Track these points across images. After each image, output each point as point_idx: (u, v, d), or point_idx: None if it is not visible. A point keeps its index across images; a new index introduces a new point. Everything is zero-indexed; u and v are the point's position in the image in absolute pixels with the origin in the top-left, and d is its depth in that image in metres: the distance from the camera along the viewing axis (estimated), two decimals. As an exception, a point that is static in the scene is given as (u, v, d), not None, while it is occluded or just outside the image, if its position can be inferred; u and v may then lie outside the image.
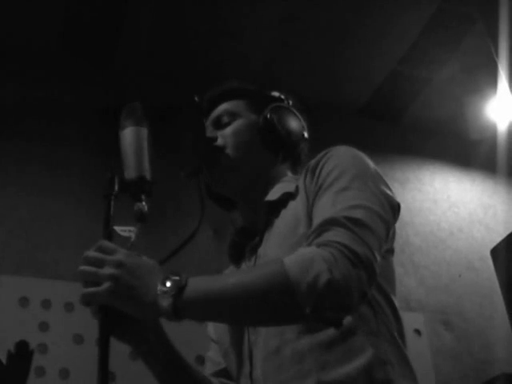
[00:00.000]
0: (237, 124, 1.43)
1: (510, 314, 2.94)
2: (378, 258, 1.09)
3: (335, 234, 1.07)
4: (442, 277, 3.75)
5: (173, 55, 3.53)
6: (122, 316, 1.12)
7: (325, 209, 1.15)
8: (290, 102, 1.50)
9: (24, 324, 2.82)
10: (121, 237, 1.19)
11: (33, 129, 3.33)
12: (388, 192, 1.23)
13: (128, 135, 1.23)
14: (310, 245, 1.09)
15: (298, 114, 1.47)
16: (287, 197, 1.32)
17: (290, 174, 1.45)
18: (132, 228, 1.19)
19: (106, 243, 1.12)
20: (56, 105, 3.42)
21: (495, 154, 3.97)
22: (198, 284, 1.07)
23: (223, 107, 1.46)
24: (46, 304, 2.93)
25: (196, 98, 1.29)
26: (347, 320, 1.12)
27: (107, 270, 1.07)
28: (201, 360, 2.81)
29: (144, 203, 1.19)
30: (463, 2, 3.35)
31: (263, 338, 1.20)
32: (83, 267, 1.12)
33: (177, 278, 1.07)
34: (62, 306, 2.93)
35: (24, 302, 2.89)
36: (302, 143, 1.46)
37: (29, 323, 2.83)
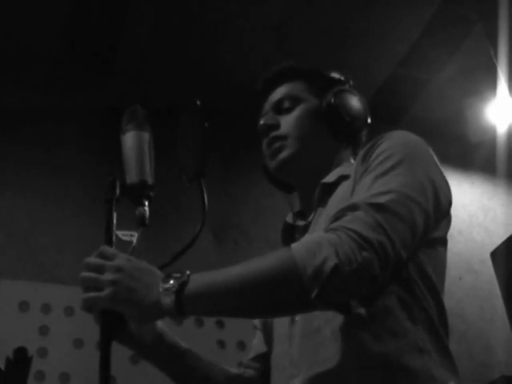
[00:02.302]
0: (300, 111, 1.39)
1: (510, 317, 2.94)
2: (401, 243, 1.04)
3: (349, 220, 1.05)
4: (442, 279, 3.74)
5: (172, 58, 3.52)
6: (124, 320, 1.12)
7: (359, 193, 1.12)
8: (351, 84, 1.46)
9: (24, 328, 2.82)
10: (122, 241, 1.18)
11: (32, 132, 3.33)
12: (439, 181, 1.19)
13: (129, 139, 1.22)
14: (325, 230, 1.07)
15: (360, 97, 1.43)
16: (342, 179, 1.30)
17: (351, 157, 1.42)
18: (133, 232, 1.18)
19: (107, 249, 1.11)
20: (56, 109, 3.42)
21: (495, 156, 3.97)
22: (201, 278, 1.06)
23: (283, 90, 1.42)
24: (46, 308, 2.93)
25: (198, 102, 1.28)
26: (385, 302, 1.11)
27: (108, 276, 1.07)
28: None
29: (146, 208, 1.19)
30: (463, 4, 3.35)
31: (306, 319, 1.18)
32: (84, 273, 1.10)
33: (178, 274, 1.06)
34: (61, 310, 2.93)
35: (24, 306, 2.89)
36: (365, 128, 1.42)
37: (29, 327, 2.83)
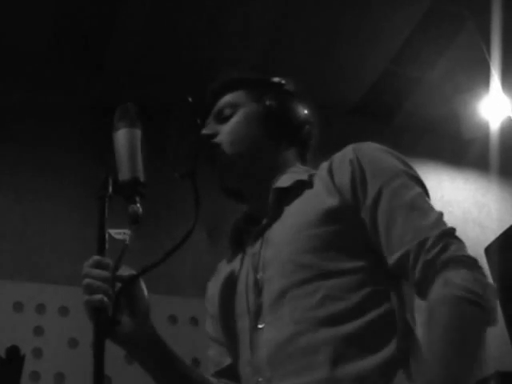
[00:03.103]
0: (237, 116, 1.40)
1: (504, 313, 2.95)
2: None
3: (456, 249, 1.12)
4: (436, 276, 3.75)
5: (163, 56, 3.52)
6: (117, 319, 1.12)
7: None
8: (292, 87, 1.47)
9: (19, 329, 2.82)
10: (115, 239, 1.18)
11: (25, 132, 3.32)
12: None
13: (121, 137, 1.22)
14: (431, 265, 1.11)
15: (300, 98, 1.45)
16: (300, 185, 1.30)
17: (297, 161, 1.43)
18: (126, 230, 1.18)
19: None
20: (48, 108, 3.41)
21: (488, 152, 3.98)
22: None
23: (224, 99, 1.43)
24: (41, 308, 2.92)
25: (189, 98, 1.28)
26: (368, 316, 1.13)
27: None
28: (197, 362, 2.81)
29: (138, 205, 1.19)
30: (454, 1, 3.35)
31: (276, 327, 1.18)
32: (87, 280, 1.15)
33: None
34: (56, 311, 2.92)
35: (18, 306, 2.89)
36: (305, 127, 1.43)
37: (23, 328, 2.83)
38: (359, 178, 1.21)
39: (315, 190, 1.27)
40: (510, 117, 3.75)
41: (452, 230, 1.15)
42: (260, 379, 1.17)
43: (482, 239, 3.68)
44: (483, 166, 4.13)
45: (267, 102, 1.41)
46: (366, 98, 3.93)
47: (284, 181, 1.33)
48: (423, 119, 4.07)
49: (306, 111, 1.44)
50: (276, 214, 1.31)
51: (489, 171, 4.13)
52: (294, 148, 1.44)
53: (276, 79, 1.47)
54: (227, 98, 1.43)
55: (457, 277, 1.07)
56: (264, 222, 1.32)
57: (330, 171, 1.26)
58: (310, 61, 3.63)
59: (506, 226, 3.24)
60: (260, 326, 1.21)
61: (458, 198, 4.10)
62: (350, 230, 1.20)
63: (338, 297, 1.15)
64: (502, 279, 2.97)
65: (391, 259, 1.16)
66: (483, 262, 3.17)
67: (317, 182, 1.28)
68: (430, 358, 1.03)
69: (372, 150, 1.26)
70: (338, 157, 1.28)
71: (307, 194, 1.28)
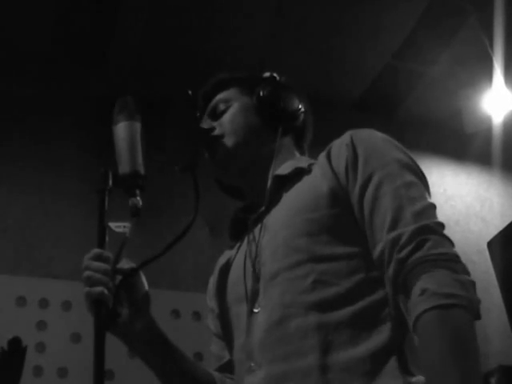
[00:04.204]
0: (232, 109, 1.42)
1: (507, 307, 2.95)
2: None
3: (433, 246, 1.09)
4: (439, 270, 3.75)
5: (166, 51, 3.52)
6: (117, 311, 1.13)
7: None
8: (283, 80, 1.48)
9: (21, 323, 2.82)
10: (115, 232, 1.18)
11: (26, 127, 3.32)
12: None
13: (121, 130, 1.22)
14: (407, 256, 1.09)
15: (293, 89, 1.46)
16: (300, 171, 1.31)
17: (294, 148, 1.45)
18: (126, 223, 1.18)
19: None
20: (50, 102, 3.41)
21: (491, 147, 3.97)
22: None
23: (217, 97, 1.45)
24: (43, 303, 2.93)
25: (189, 92, 1.28)
26: (360, 303, 1.12)
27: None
28: (200, 357, 2.82)
29: (138, 198, 1.19)
30: (457, -6, 3.35)
31: (267, 310, 1.18)
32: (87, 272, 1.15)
33: None
34: (59, 305, 2.93)
35: (21, 301, 2.89)
36: (300, 115, 1.44)
37: (26, 322, 2.83)
38: (352, 164, 1.21)
39: (313, 176, 1.28)
40: (512, 111, 3.75)
41: (433, 225, 1.11)
42: (252, 364, 1.16)
43: (484, 233, 3.69)
44: (486, 160, 4.12)
45: (260, 93, 1.42)
46: (368, 93, 3.92)
47: (284, 168, 1.34)
48: (425, 114, 4.06)
49: (299, 100, 1.45)
50: (275, 201, 1.31)
51: (491, 166, 4.13)
52: (291, 136, 1.45)
53: (267, 74, 1.49)
54: (220, 96, 1.45)
55: (433, 282, 1.03)
56: (263, 208, 1.32)
57: (329, 156, 1.27)
58: (312, 57, 3.63)
59: (508, 220, 3.24)
60: (256, 311, 1.20)
61: (461, 193, 4.09)
62: (345, 216, 1.19)
63: (330, 282, 1.14)
64: (505, 273, 2.97)
65: (374, 254, 1.15)
66: (486, 256, 3.18)
67: (315, 169, 1.29)
68: (435, 380, 0.99)
69: (369, 137, 1.26)
70: (336, 142, 1.29)
71: (305, 179, 1.29)
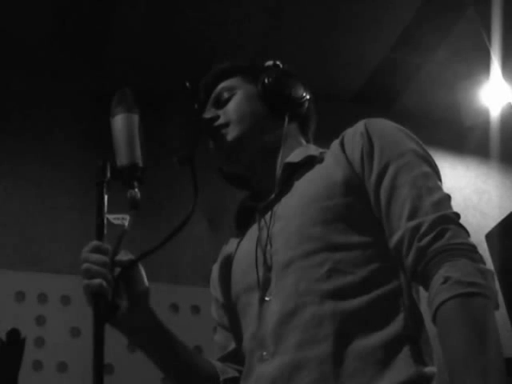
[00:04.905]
0: (237, 97, 1.41)
1: (506, 299, 2.95)
2: None
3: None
4: (437, 263, 3.75)
5: (164, 43, 3.51)
6: (116, 303, 1.13)
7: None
8: (286, 67, 1.48)
9: (21, 318, 2.83)
10: (114, 225, 1.18)
11: (24, 122, 3.32)
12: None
13: (119, 122, 1.22)
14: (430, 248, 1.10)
15: (296, 77, 1.46)
16: (311, 160, 1.31)
17: (300, 135, 1.44)
18: (125, 216, 1.18)
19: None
20: (48, 96, 3.41)
21: (489, 139, 3.97)
22: None
23: (220, 86, 1.45)
24: (42, 298, 2.93)
25: (188, 84, 1.28)
26: (375, 292, 1.13)
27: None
28: (198, 351, 2.82)
29: (137, 190, 1.19)
30: (454, -14, 3.34)
31: (280, 299, 1.17)
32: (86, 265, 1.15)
33: None
34: (58, 300, 2.93)
35: (20, 296, 2.89)
36: (304, 101, 1.43)
37: (25, 317, 2.83)
38: (367, 153, 1.21)
39: (326, 164, 1.28)
40: (510, 103, 3.74)
41: (451, 215, 1.13)
42: (264, 353, 1.16)
43: (482, 226, 3.68)
44: (484, 152, 4.12)
45: (265, 80, 1.41)
46: (366, 86, 3.92)
47: (295, 156, 1.34)
48: (423, 107, 4.06)
49: (302, 87, 1.44)
50: (286, 189, 1.30)
51: (489, 158, 4.13)
52: (297, 122, 1.44)
53: (270, 62, 1.48)
54: (223, 85, 1.45)
55: (455, 270, 1.05)
56: (272, 196, 1.31)
57: (342, 144, 1.27)
58: (310, 50, 3.62)
59: (506, 213, 3.24)
60: (267, 299, 1.20)
61: (459, 185, 4.09)
62: (359, 204, 1.20)
63: (345, 271, 1.14)
64: (503, 265, 2.97)
65: (391, 242, 1.15)
66: (484, 248, 3.18)
67: (328, 157, 1.29)
68: (459, 367, 0.99)
69: (384, 126, 1.27)
70: (350, 131, 1.29)
71: (318, 168, 1.29)
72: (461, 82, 3.87)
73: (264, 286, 1.22)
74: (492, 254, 3.10)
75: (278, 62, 1.48)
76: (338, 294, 1.13)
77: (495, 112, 3.98)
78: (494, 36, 3.21)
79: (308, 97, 1.44)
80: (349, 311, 1.11)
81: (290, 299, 1.15)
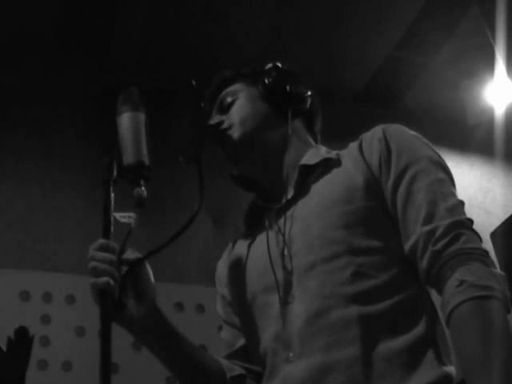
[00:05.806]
0: (239, 100, 1.42)
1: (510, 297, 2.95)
2: None
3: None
4: (442, 262, 3.75)
5: (168, 42, 3.51)
6: (122, 301, 1.13)
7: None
8: (286, 67, 1.49)
9: (25, 317, 2.82)
10: (120, 223, 1.18)
11: (30, 121, 3.32)
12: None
13: (125, 120, 1.23)
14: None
15: (297, 76, 1.46)
16: (327, 162, 1.32)
17: (306, 132, 1.45)
18: (131, 214, 1.19)
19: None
20: (53, 95, 3.41)
21: (493, 137, 3.97)
22: None
23: (223, 93, 1.46)
24: (47, 297, 2.93)
25: (193, 82, 1.29)
26: (399, 296, 1.15)
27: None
28: (204, 350, 2.82)
29: (143, 188, 1.19)
30: (459, -15, 3.34)
31: (304, 301, 1.18)
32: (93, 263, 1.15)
33: None
34: (63, 299, 2.93)
35: (25, 295, 2.90)
36: (307, 97, 1.44)
37: (30, 317, 2.83)
38: (385, 158, 1.24)
39: (344, 168, 1.29)
40: (515, 102, 3.75)
41: (465, 220, 1.15)
42: (291, 354, 1.17)
43: (487, 224, 3.67)
44: (488, 151, 4.12)
45: (265, 80, 1.42)
46: (371, 85, 3.91)
47: (310, 158, 1.35)
48: (427, 105, 4.05)
49: (302, 85, 1.45)
50: (302, 191, 1.31)
51: (494, 157, 4.12)
52: (301, 119, 1.45)
53: (269, 65, 1.49)
54: (226, 90, 1.46)
55: (470, 274, 1.07)
56: (289, 197, 1.32)
57: (361, 149, 1.29)
58: (314, 48, 3.62)
59: (511, 211, 3.24)
60: (290, 301, 1.21)
61: (463, 184, 4.08)
62: (379, 209, 1.22)
63: (369, 274, 1.17)
64: (508, 263, 2.96)
65: (406, 246, 1.18)
66: (489, 247, 3.17)
67: (345, 161, 1.30)
68: (474, 367, 1.02)
69: (400, 132, 1.29)
70: (367, 135, 1.31)
71: (336, 171, 1.30)
72: (465, 80, 3.87)
73: (285, 289, 1.22)
74: (497, 253, 3.09)
75: (277, 64, 1.49)
76: (363, 298, 1.15)
77: (500, 111, 3.97)
78: (499, 34, 3.20)
79: (310, 93, 1.45)
80: (374, 314, 1.14)
81: (315, 302, 1.17)
